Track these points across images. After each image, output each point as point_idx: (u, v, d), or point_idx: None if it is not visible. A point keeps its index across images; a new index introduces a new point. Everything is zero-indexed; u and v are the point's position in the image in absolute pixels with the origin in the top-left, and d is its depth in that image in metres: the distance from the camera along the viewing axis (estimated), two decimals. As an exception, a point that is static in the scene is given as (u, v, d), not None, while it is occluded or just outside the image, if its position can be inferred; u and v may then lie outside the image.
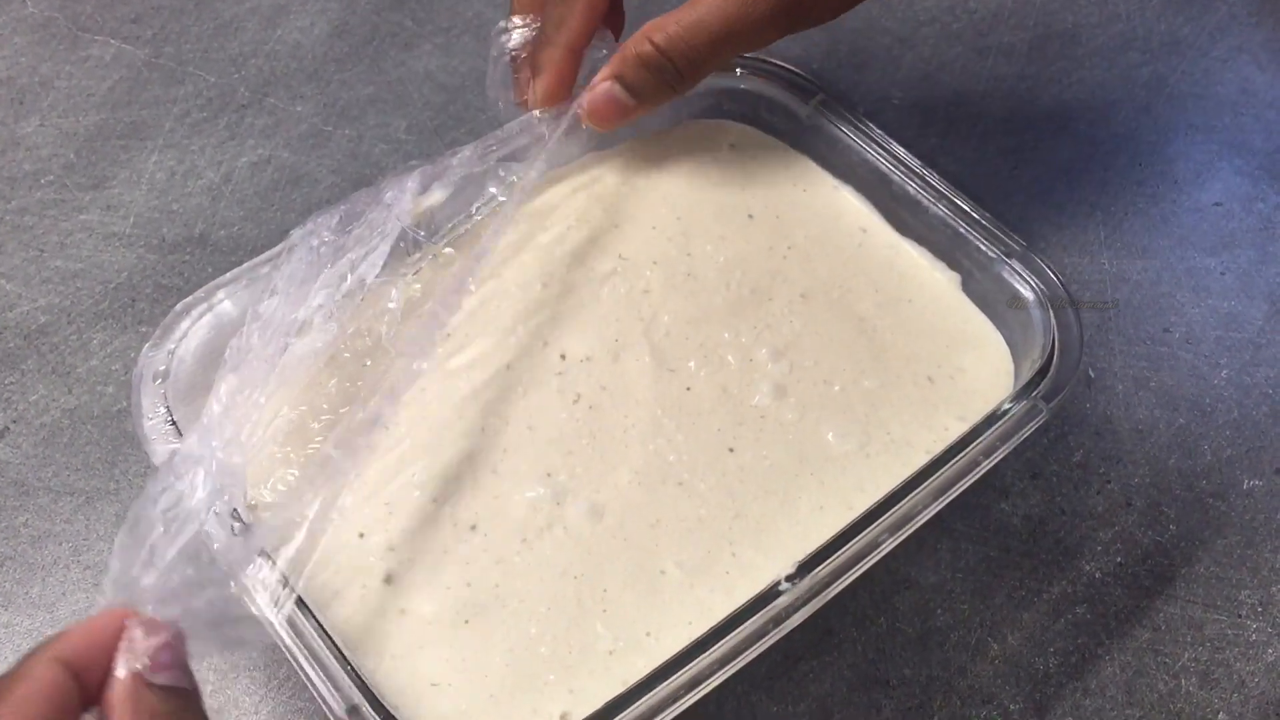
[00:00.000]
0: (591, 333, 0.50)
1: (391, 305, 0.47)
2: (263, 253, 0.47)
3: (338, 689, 0.38)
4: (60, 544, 0.51)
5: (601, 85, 0.50)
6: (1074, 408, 0.55)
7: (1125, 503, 0.53)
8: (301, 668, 0.38)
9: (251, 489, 0.45)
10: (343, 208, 0.46)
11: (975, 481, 0.43)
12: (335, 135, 0.65)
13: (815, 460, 0.47)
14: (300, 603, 0.39)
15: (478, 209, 0.52)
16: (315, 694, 0.38)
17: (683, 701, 0.38)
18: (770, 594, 0.40)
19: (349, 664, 0.38)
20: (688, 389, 0.48)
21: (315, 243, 0.45)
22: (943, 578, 0.50)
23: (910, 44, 0.71)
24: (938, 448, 0.45)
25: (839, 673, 0.48)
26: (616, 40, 0.53)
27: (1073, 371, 0.46)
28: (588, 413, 0.47)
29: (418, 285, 0.50)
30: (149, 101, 0.67)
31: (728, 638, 0.39)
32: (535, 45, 0.51)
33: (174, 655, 0.32)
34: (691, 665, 0.38)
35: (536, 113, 0.51)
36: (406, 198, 0.47)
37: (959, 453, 0.43)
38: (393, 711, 0.38)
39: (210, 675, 0.47)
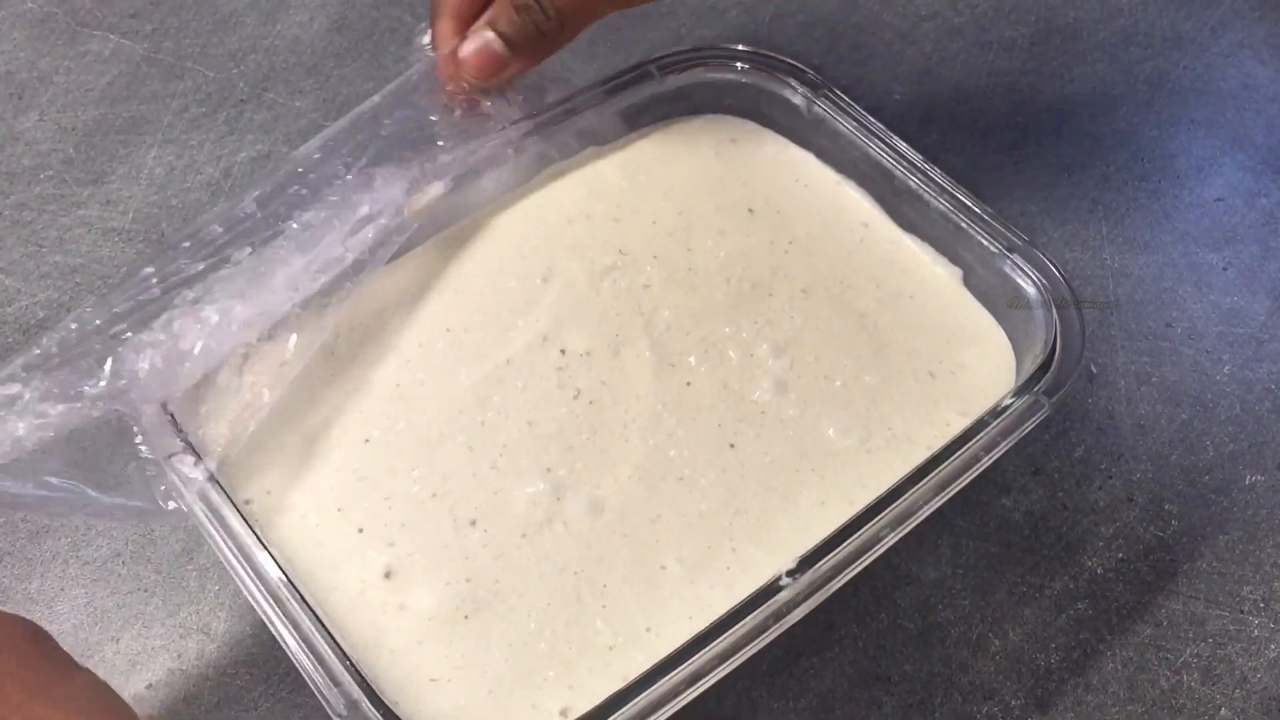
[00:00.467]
0: (592, 327, 0.49)
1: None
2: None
3: (337, 684, 0.37)
4: (59, 539, 0.51)
5: (476, 35, 0.48)
6: (1076, 403, 0.55)
7: (1127, 498, 0.52)
8: (300, 663, 0.38)
9: (242, 485, 0.45)
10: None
11: (976, 477, 0.43)
12: (335, 130, 0.65)
13: (816, 456, 0.46)
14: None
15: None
16: (314, 689, 0.38)
17: (683, 697, 0.38)
18: (771, 589, 0.40)
19: (348, 659, 0.38)
20: (688, 384, 0.48)
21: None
22: (944, 573, 0.50)
23: (911, 39, 0.70)
24: (939, 443, 0.45)
25: (840, 669, 0.48)
26: None
27: (1074, 367, 0.46)
28: (588, 408, 0.47)
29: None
30: (148, 97, 0.67)
31: (728, 633, 0.39)
32: None
33: None
34: (691, 661, 0.38)
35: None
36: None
37: (960, 448, 0.43)
38: (392, 707, 0.38)
39: (209, 672, 0.47)
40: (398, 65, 0.68)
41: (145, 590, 0.49)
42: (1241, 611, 0.49)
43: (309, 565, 0.43)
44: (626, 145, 0.56)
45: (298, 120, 0.66)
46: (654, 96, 0.56)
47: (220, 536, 0.40)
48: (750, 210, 0.54)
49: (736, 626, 0.39)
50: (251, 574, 0.39)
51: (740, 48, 0.56)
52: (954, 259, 0.52)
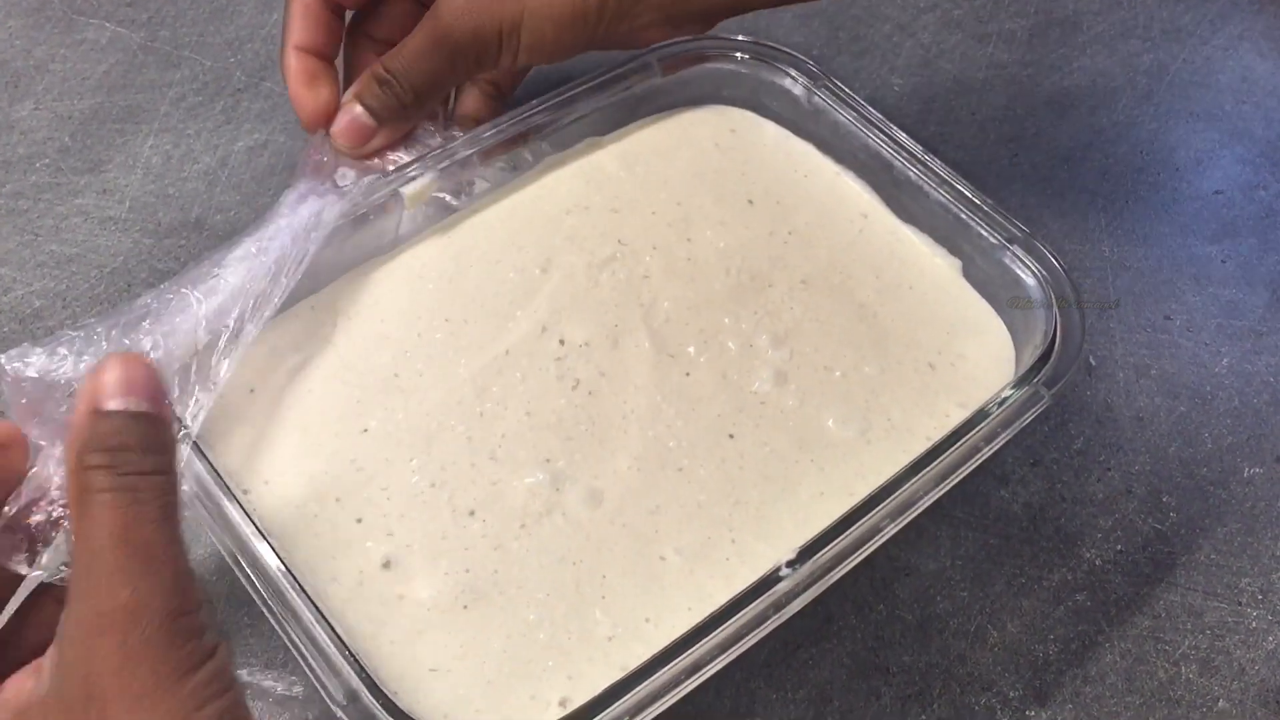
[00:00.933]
0: (590, 318, 0.49)
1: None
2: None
3: (336, 675, 0.37)
4: (56, 529, 0.51)
5: (345, 109, 0.50)
6: (1074, 395, 0.55)
7: (1125, 490, 0.52)
8: (300, 653, 0.38)
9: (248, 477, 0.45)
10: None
11: (975, 469, 0.43)
12: (332, 120, 0.65)
13: (815, 446, 0.46)
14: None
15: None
16: (314, 680, 0.37)
17: (682, 688, 0.38)
18: (770, 580, 0.40)
19: (347, 649, 0.38)
20: (687, 375, 0.48)
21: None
22: (942, 565, 0.50)
23: (911, 31, 0.70)
24: (938, 434, 0.45)
25: (838, 660, 0.48)
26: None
27: (1074, 359, 0.46)
28: (587, 398, 0.47)
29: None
30: (144, 85, 0.66)
31: (727, 624, 0.39)
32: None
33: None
34: (691, 651, 0.38)
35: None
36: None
37: (959, 439, 0.43)
38: (391, 697, 0.38)
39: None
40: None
41: (142, 580, 0.49)
42: (1239, 603, 0.50)
43: (308, 556, 0.43)
44: (625, 136, 0.56)
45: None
46: (653, 87, 0.56)
47: (219, 527, 0.40)
48: (750, 201, 0.54)
49: (736, 617, 0.39)
50: (250, 564, 0.39)
51: (740, 38, 0.56)
52: (954, 250, 0.52)
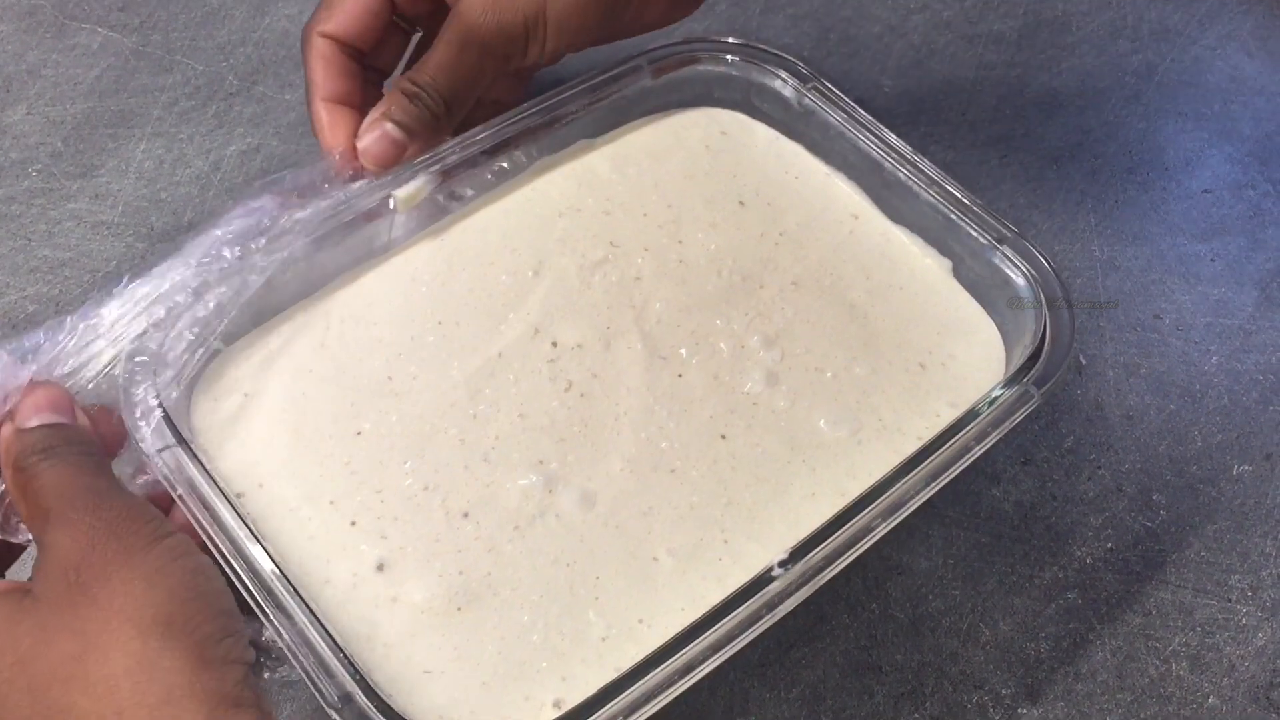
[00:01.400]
0: (583, 320, 0.50)
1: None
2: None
3: (330, 677, 0.37)
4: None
5: (375, 126, 0.50)
6: (1065, 394, 0.55)
7: (1116, 488, 0.53)
8: (294, 656, 0.38)
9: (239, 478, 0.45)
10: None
11: (966, 468, 0.43)
12: (324, 123, 0.65)
13: (807, 447, 0.47)
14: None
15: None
16: (308, 682, 0.38)
17: (675, 688, 0.38)
18: (763, 580, 0.40)
19: (342, 652, 0.38)
20: (679, 376, 0.48)
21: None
22: (934, 564, 0.50)
23: (901, 32, 0.70)
24: (929, 434, 0.45)
25: (831, 659, 0.48)
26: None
27: (1064, 358, 0.46)
28: (579, 400, 0.47)
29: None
30: (137, 90, 0.66)
31: (720, 624, 0.39)
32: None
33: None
34: (684, 652, 0.38)
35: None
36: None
37: (950, 439, 0.43)
38: (386, 699, 0.38)
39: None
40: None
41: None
42: (1229, 600, 0.50)
43: (301, 558, 0.43)
44: (617, 138, 0.56)
45: (287, 113, 0.65)
46: (644, 89, 0.56)
47: (213, 530, 0.40)
48: (740, 202, 0.54)
49: (729, 617, 0.39)
50: (244, 567, 0.39)
51: (730, 40, 0.56)
52: (944, 250, 0.52)
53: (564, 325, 0.49)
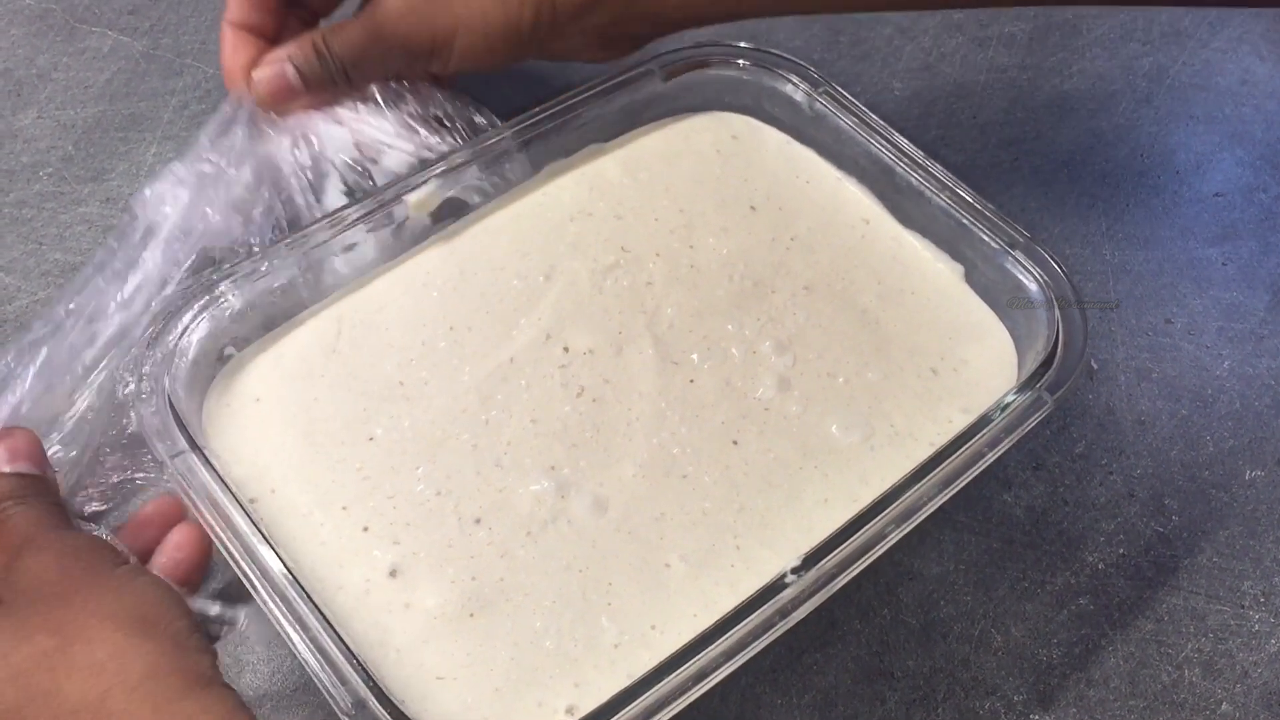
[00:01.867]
0: (594, 325, 0.50)
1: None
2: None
3: (344, 683, 0.38)
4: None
5: (274, 62, 0.50)
6: (1076, 399, 0.55)
7: (1128, 494, 0.53)
8: (306, 662, 0.38)
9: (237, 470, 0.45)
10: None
11: (978, 473, 0.43)
12: (335, 127, 0.65)
13: (819, 453, 0.47)
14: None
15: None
16: (321, 688, 0.38)
17: (688, 695, 0.38)
18: (775, 586, 0.40)
19: (354, 658, 0.38)
20: (691, 382, 0.48)
21: None
22: (946, 569, 0.50)
23: (911, 35, 0.70)
24: (941, 440, 0.45)
25: (843, 665, 0.48)
26: None
27: (1077, 363, 0.46)
28: (591, 406, 0.47)
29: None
30: (147, 93, 0.66)
31: (733, 630, 0.39)
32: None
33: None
34: (697, 658, 0.38)
35: None
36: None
37: (963, 445, 0.43)
38: (399, 706, 0.38)
39: (214, 669, 0.47)
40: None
41: (149, 589, 0.49)
42: (1242, 606, 0.50)
43: (314, 564, 0.43)
44: (628, 143, 0.56)
45: (297, 117, 0.65)
46: (655, 94, 0.56)
47: (226, 535, 0.40)
48: (752, 207, 0.54)
49: (742, 624, 0.39)
50: (257, 572, 0.39)
51: (741, 45, 0.56)
52: (955, 255, 0.52)
53: (576, 330, 0.49)
